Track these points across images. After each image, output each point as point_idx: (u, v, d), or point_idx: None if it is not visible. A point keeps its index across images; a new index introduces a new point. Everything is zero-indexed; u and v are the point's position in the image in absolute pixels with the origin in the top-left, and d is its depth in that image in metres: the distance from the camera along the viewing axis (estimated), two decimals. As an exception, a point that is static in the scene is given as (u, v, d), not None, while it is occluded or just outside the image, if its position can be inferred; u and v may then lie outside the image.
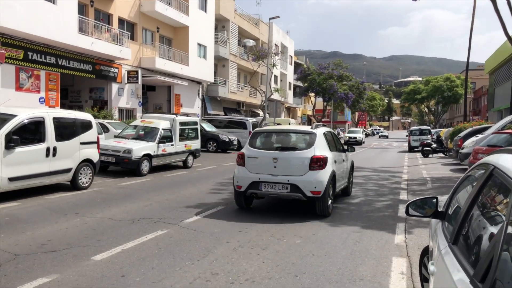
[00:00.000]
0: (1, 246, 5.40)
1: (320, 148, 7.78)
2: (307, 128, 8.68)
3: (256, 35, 42.96)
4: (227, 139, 22.69)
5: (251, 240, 6.08)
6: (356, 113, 75.64)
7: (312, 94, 50.74)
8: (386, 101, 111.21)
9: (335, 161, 8.21)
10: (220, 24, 36.63)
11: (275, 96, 41.53)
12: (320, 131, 8.26)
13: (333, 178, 7.93)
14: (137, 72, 24.26)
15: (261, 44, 41.36)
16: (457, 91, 59.76)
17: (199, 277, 4.58)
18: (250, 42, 36.30)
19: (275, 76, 46.11)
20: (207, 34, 31.93)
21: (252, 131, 25.10)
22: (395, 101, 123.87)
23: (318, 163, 7.52)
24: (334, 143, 8.94)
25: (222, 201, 9.14)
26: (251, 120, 26.71)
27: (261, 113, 40.43)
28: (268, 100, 34.81)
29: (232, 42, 37.65)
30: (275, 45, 42.84)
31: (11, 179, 8.10)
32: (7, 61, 15.82)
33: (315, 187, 7.46)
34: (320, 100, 51.72)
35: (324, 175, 7.55)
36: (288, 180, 7.55)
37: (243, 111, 41.78)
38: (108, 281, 4.42)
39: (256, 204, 8.82)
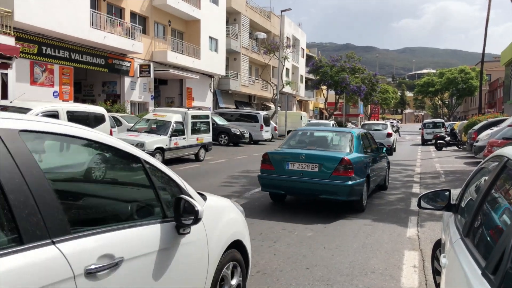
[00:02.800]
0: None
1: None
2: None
3: (268, 28, 42.79)
4: (238, 133, 22.74)
5: (262, 233, 6.11)
6: (369, 106, 75.00)
7: (324, 87, 50.45)
8: (399, 93, 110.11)
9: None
10: (232, 17, 36.56)
11: (287, 89, 41.43)
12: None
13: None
14: (149, 66, 24.40)
15: (273, 37, 41.20)
16: (472, 83, 58.85)
17: (211, 269, 4.62)
18: (262, 35, 36.22)
19: (287, 69, 45.96)
20: (219, 27, 31.91)
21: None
22: (409, 94, 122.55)
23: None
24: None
25: (233, 194, 9.18)
26: (262, 113, 26.71)
27: (272, 106, 40.38)
28: (279, 93, 34.75)
29: (243, 35, 37.58)
30: (287, 37, 42.67)
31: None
32: (21, 56, 16.02)
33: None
34: (332, 93, 51.42)
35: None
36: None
37: (254, 105, 41.78)
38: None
39: (266, 198, 8.85)
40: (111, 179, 2.78)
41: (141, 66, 24.27)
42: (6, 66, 12.37)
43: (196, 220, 2.39)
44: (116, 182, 2.78)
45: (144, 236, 2.24)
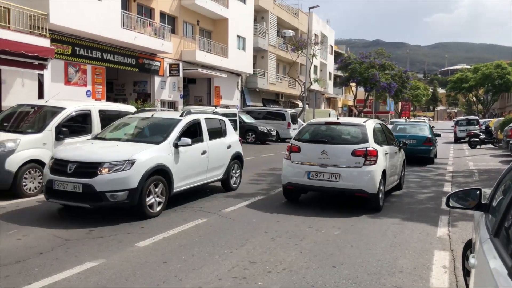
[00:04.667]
0: (54, 232, 5.73)
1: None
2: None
3: (296, 25, 42.56)
4: (265, 130, 22.76)
5: (289, 231, 6.12)
6: (399, 103, 73.43)
7: (353, 84, 49.75)
8: (431, 90, 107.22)
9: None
10: (259, 15, 36.57)
11: (315, 86, 41.10)
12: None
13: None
14: (178, 65, 24.74)
15: (301, 34, 40.95)
16: (508, 79, 56.59)
17: (237, 265, 4.67)
18: (289, 33, 36.04)
19: (315, 66, 45.58)
20: (246, 26, 31.99)
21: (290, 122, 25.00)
22: (441, 91, 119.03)
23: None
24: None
25: (260, 191, 9.22)
26: (290, 111, 26.62)
27: (300, 104, 40.16)
28: (307, 90, 34.51)
29: (271, 33, 37.53)
30: (315, 35, 42.28)
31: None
32: (56, 57, 16.54)
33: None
34: (361, 90, 50.64)
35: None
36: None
37: (282, 102, 41.67)
38: (151, 266, 4.60)
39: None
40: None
41: (170, 65, 24.63)
42: (42, 67, 12.83)
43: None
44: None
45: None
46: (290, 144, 7.93)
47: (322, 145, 7.48)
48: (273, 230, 6.13)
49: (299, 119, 28.32)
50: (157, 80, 24.02)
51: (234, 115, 16.36)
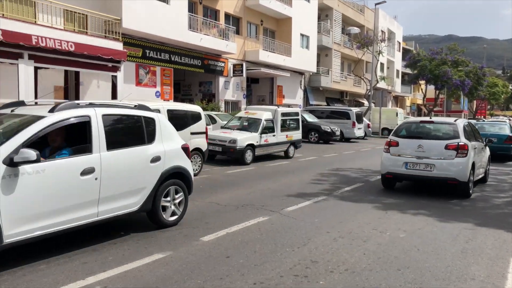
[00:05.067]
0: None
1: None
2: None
3: (361, 22, 41.50)
4: (329, 130, 22.41)
5: (352, 232, 6.00)
6: (474, 101, 68.93)
7: (422, 82, 47.46)
8: (510, 87, 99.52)
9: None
10: (323, 13, 36.12)
11: (381, 84, 39.82)
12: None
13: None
14: (241, 65, 25.16)
15: (366, 31, 39.86)
16: None
17: (299, 264, 4.67)
18: (355, 30, 35.27)
19: (381, 64, 44.16)
20: (310, 24, 31.74)
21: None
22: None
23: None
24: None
25: (323, 191, 9.12)
26: (355, 110, 25.98)
27: (366, 102, 39.13)
28: (373, 89, 33.56)
29: (335, 31, 36.93)
30: (381, 31, 40.98)
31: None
32: (128, 59, 17.53)
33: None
34: (431, 88, 48.16)
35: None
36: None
37: (346, 101, 40.86)
38: (214, 261, 4.73)
39: (357, 197, 8.65)
40: None
41: (234, 66, 25.12)
42: (116, 69, 13.66)
43: None
44: None
45: None
46: (389, 140, 9.24)
47: (418, 140, 8.83)
48: (335, 230, 6.04)
49: (364, 118, 27.58)
50: (221, 80, 24.59)
51: (297, 114, 16.29)
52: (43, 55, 10.72)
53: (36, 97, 12.06)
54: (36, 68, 12.35)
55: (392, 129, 12.30)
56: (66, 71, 15.04)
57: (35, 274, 4.20)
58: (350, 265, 4.67)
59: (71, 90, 14.35)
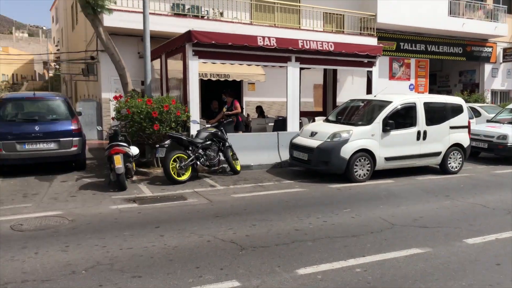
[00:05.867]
0: (381, 215, 6.17)
1: None
2: None
3: None
4: None
5: None
6: None
7: None
8: None
9: None
10: None
11: None
12: None
13: None
14: (513, 48, 21.54)
15: None
16: None
17: None
18: None
19: None
20: None
21: None
22: None
23: None
24: None
25: None
26: None
27: None
28: None
29: None
30: None
31: (387, 159, 9.04)
32: (383, 54, 17.57)
33: None
34: None
35: None
36: None
37: None
38: (482, 266, 4.28)
39: None
40: None
41: (504, 50, 21.75)
42: (371, 64, 13.83)
43: None
44: None
45: None
46: None
47: None
48: None
49: None
50: (487, 67, 21.74)
51: None
52: (307, 56, 11.83)
53: (299, 94, 13.57)
54: (300, 69, 13.85)
55: None
56: (324, 70, 16.27)
57: (303, 248, 4.75)
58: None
59: (328, 87, 15.40)
